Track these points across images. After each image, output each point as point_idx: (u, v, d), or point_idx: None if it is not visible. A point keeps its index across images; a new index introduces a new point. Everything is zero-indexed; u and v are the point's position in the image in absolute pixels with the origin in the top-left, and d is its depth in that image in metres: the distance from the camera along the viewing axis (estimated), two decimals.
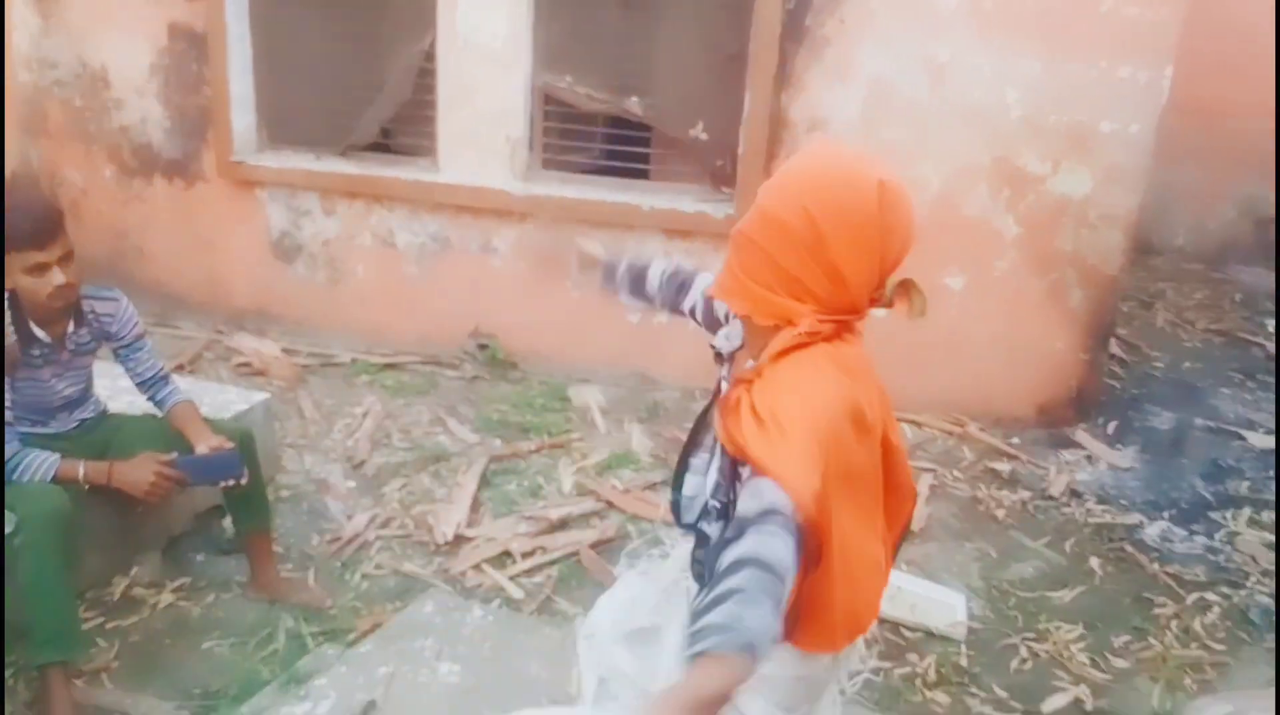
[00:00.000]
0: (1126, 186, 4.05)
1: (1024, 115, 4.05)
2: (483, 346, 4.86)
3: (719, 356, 1.57)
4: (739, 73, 4.25)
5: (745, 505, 1.17)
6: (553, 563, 3.25)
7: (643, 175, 4.67)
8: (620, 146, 4.64)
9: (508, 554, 3.27)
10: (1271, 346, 5.83)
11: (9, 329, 2.54)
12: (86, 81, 5.04)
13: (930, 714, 2.62)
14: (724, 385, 1.53)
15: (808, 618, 1.32)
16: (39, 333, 2.60)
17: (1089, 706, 2.71)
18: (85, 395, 2.81)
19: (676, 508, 1.52)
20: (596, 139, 4.88)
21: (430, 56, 4.54)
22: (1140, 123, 3.94)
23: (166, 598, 2.94)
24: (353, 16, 4.65)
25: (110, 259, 5.10)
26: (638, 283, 1.92)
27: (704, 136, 4.42)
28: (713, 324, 1.70)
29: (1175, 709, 2.70)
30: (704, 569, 1.41)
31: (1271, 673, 2.87)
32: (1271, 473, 4.11)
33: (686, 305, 1.82)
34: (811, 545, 1.17)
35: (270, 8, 4.74)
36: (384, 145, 4.86)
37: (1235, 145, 7.50)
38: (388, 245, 4.86)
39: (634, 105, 4.43)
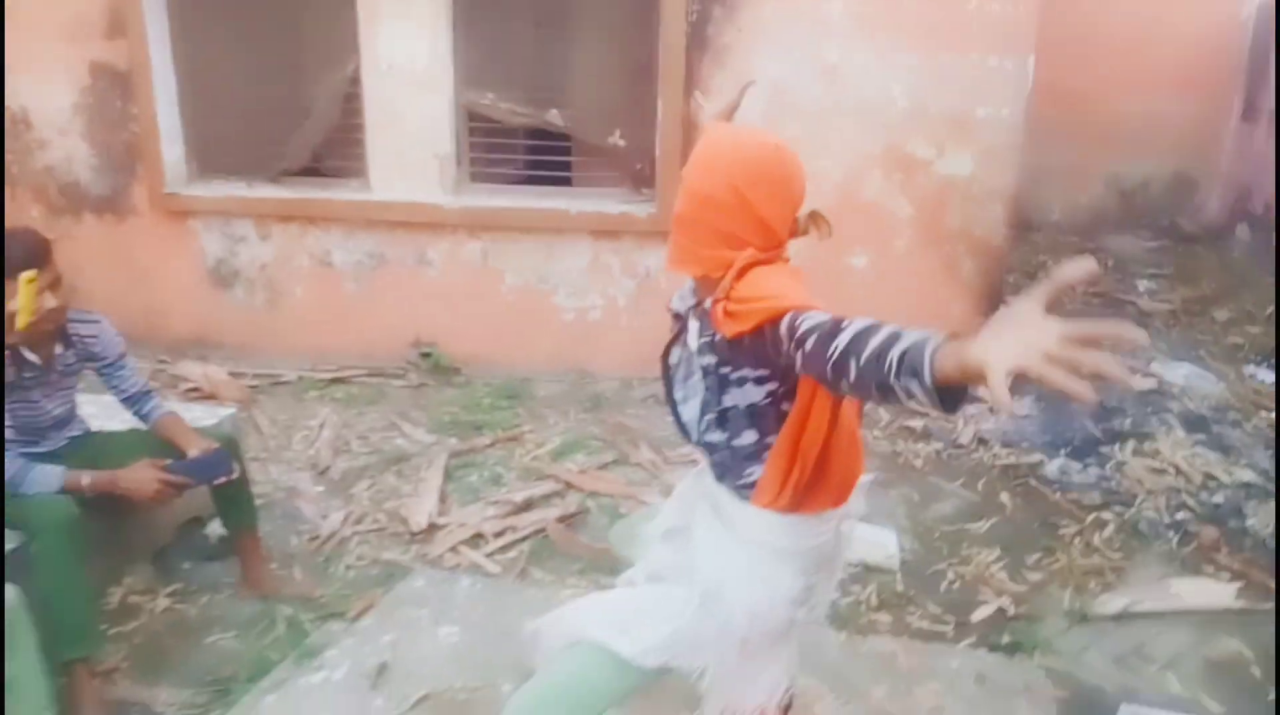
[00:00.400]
0: (1003, 164, 4.53)
1: (909, 106, 4.50)
2: (425, 355, 5.08)
3: (676, 317, 1.87)
4: (650, 81, 4.60)
5: (804, 326, 1.42)
6: (524, 539, 3.50)
7: (566, 182, 4.96)
8: (543, 156, 4.93)
9: (480, 536, 3.50)
10: (1144, 303, 6.46)
11: None
12: (8, 125, 5.08)
13: (876, 630, 2.96)
14: (687, 335, 1.83)
15: (816, 486, 1.64)
16: (29, 356, 2.74)
17: (1011, 613, 3.09)
18: (72, 414, 2.96)
19: (685, 431, 1.81)
20: (519, 151, 5.14)
21: (355, 81, 4.76)
22: (1010, 107, 4.43)
23: (163, 602, 3.08)
24: (275, 46, 4.84)
25: None
26: None
27: (622, 143, 4.75)
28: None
29: (1083, 606, 3.11)
30: (722, 468, 1.72)
31: (1161, 571, 3.32)
32: (1150, 409, 4.63)
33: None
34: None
35: (192, 41, 4.89)
36: (314, 169, 5.04)
37: (1099, 125, 8.23)
38: (325, 265, 5.04)
39: (554, 117, 4.73)
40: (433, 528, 3.56)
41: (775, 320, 1.47)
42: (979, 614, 3.10)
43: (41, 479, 2.65)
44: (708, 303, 1.67)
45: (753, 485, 1.68)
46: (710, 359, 1.68)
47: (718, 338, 1.63)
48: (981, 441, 4.33)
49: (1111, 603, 3.11)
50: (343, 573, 3.30)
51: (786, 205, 1.65)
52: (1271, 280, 6.76)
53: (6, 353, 2.70)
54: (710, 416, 1.70)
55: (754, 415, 1.66)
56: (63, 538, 2.54)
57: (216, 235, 5.05)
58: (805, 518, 1.68)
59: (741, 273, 1.58)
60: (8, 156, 5.14)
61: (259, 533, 3.19)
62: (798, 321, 1.43)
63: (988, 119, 4.45)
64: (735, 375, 1.64)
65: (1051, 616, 3.08)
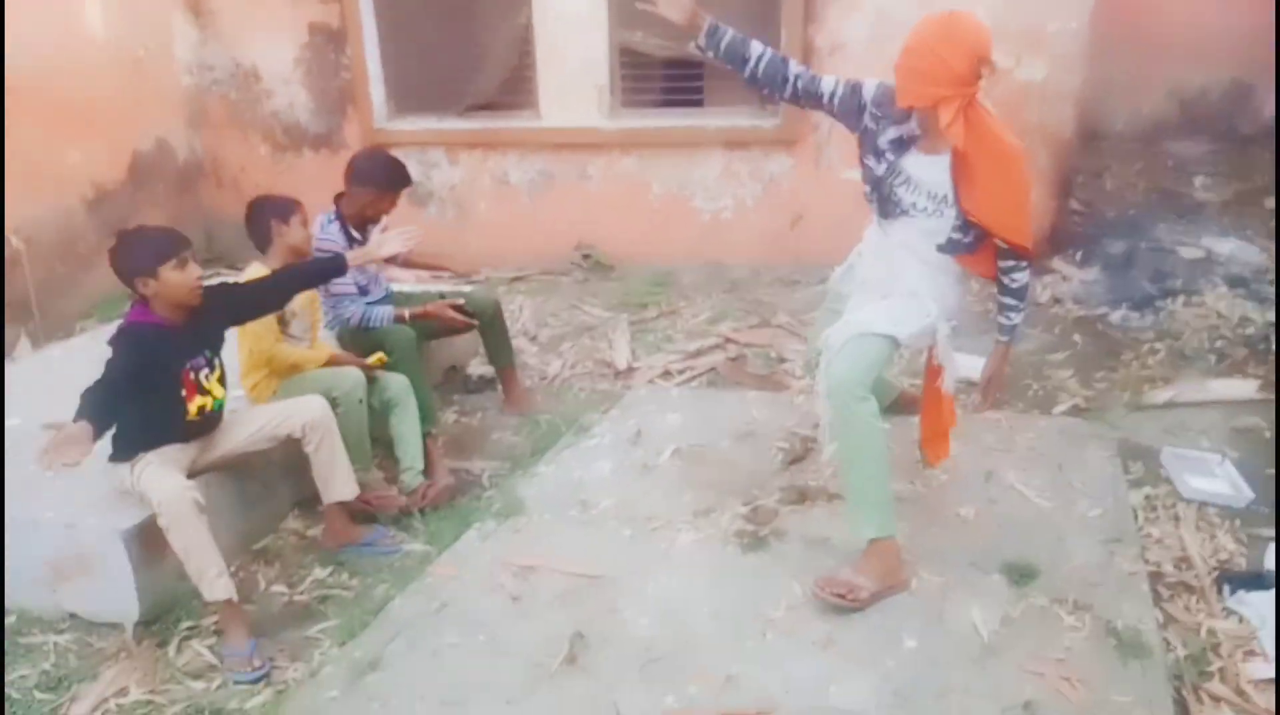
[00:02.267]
0: (1072, 71, 5.42)
1: (991, 23, 5.32)
2: (586, 256, 6.18)
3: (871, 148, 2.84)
4: (775, 12, 5.56)
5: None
6: (700, 375, 4.60)
7: (699, 104, 5.97)
8: (678, 83, 5.94)
9: (668, 372, 4.61)
10: (1199, 195, 7.28)
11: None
12: (240, 78, 6.26)
13: (984, 419, 3.97)
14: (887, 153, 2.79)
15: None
16: (356, 235, 3.88)
17: (1083, 406, 4.10)
18: (378, 277, 4.08)
19: (900, 206, 2.81)
20: (658, 79, 6.15)
21: (528, 27, 5.81)
22: (1077, 20, 5.30)
23: (449, 416, 4.25)
24: (457, 2, 5.90)
25: None
26: (767, 64, 2.82)
27: None
28: (848, 110, 2.82)
29: (1136, 400, 4.11)
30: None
31: (1201, 379, 4.28)
32: (1199, 273, 5.54)
33: (825, 95, 2.80)
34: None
35: (389, 3, 5.98)
36: (492, 104, 6.13)
37: (1159, 37, 8.88)
38: (503, 184, 6.16)
39: (693, 48, 5.71)
40: (630, 369, 4.68)
41: None
42: (1059, 408, 4.11)
43: (382, 314, 3.80)
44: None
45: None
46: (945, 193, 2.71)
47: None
48: (1057, 300, 5.29)
49: (1160, 395, 4.11)
50: (574, 396, 4.43)
51: (970, 57, 2.57)
52: None
53: (353, 233, 3.83)
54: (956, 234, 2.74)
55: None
56: (411, 350, 3.70)
57: (414, 163, 6.07)
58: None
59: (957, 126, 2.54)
60: (240, 105, 6.32)
61: (516, 367, 4.33)
62: None
63: (1058, 32, 5.34)
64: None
65: (1114, 407, 4.07)
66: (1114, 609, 2.65)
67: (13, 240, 4.98)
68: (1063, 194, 5.71)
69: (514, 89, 6.05)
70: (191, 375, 2.83)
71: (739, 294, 5.66)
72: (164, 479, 2.66)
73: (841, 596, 2.68)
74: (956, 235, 2.77)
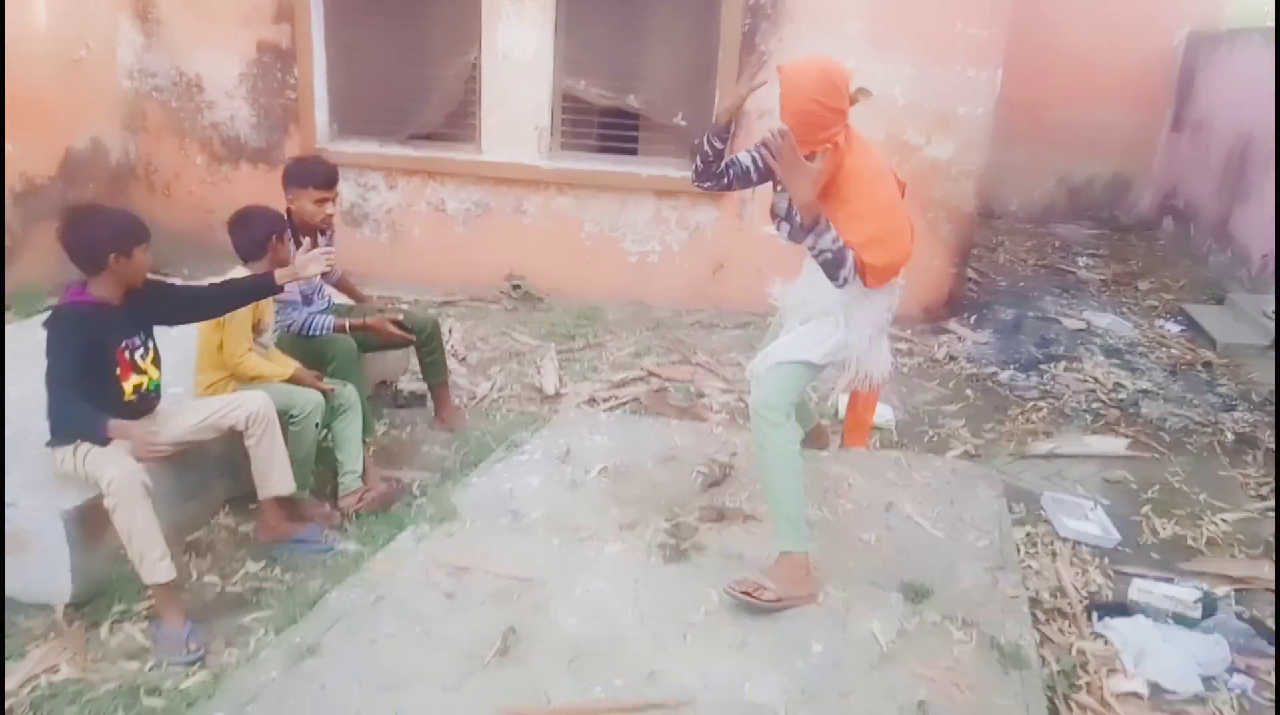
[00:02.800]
0: (976, 151, 5.93)
1: (906, 104, 5.88)
2: (516, 286, 6.37)
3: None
4: (709, 77, 5.93)
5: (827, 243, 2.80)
6: (623, 403, 4.83)
7: (633, 152, 6.29)
8: (613, 130, 6.25)
9: (594, 399, 4.82)
10: (1082, 273, 7.93)
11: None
12: (183, 87, 6.30)
13: (884, 458, 4.30)
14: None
15: (882, 269, 2.93)
16: (304, 241, 3.99)
17: (973, 452, 4.47)
18: (322, 287, 4.19)
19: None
20: (595, 126, 6.45)
21: (474, 66, 6.04)
22: (983, 107, 5.82)
23: (379, 427, 4.35)
24: (407, 35, 6.10)
25: (199, 231, 6.36)
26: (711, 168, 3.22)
27: (684, 123, 6.09)
28: (741, 176, 3.21)
29: (1020, 449, 4.50)
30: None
31: (1078, 435, 4.71)
32: (1079, 342, 6.07)
33: (750, 168, 3.21)
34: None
35: (340, 26, 6.14)
36: (432, 134, 6.31)
37: (1052, 131, 9.71)
38: (439, 211, 6.33)
39: (632, 101, 6.06)
40: (558, 395, 4.87)
41: None
42: (951, 451, 4.47)
43: (324, 323, 3.92)
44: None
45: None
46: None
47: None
48: (952, 358, 5.72)
49: (1042, 446, 4.52)
50: (503, 417, 4.60)
51: (844, 96, 2.87)
52: (1187, 262, 8.27)
53: (301, 238, 3.95)
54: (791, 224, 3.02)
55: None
56: (352, 360, 3.82)
57: (352, 184, 6.29)
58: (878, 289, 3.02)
59: (837, 156, 2.86)
60: (180, 113, 6.35)
61: (448, 385, 4.48)
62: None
63: (965, 116, 5.85)
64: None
65: (1000, 455, 4.46)
66: (997, 626, 2.94)
67: None
68: (961, 263, 6.19)
69: (457, 123, 6.25)
70: (126, 354, 2.90)
71: (661, 333, 5.93)
72: (114, 459, 2.72)
73: (748, 594, 2.91)
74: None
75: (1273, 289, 6.72)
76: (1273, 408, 5.11)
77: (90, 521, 2.86)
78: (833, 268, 2.86)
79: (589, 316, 6.11)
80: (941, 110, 5.85)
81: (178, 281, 3.45)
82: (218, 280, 3.34)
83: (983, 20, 5.66)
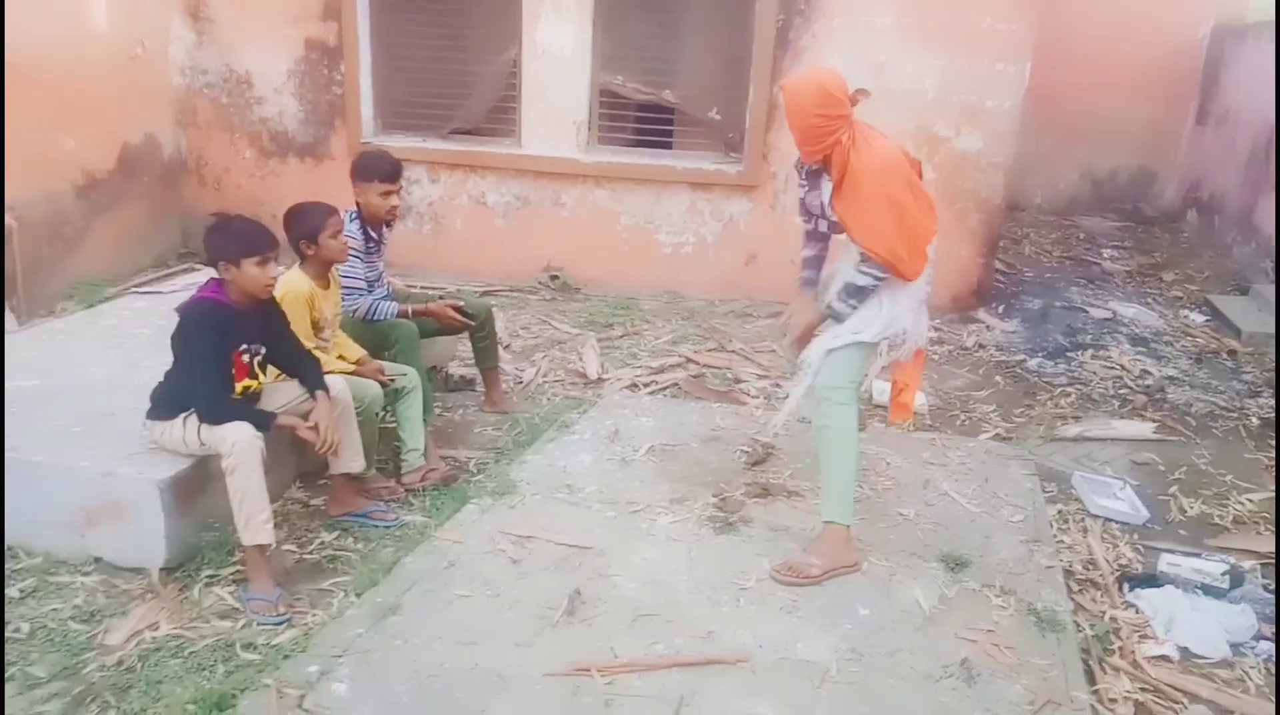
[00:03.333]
0: (1004, 143, 6.06)
1: (936, 97, 6.01)
2: (554, 277, 6.56)
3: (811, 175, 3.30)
4: (744, 71, 6.09)
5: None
6: (663, 388, 5.00)
7: (668, 146, 6.45)
8: (649, 124, 6.41)
9: (635, 384, 5.00)
10: (1107, 265, 8.04)
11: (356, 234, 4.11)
12: (233, 84, 6.51)
13: (920, 439, 4.45)
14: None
15: (911, 261, 3.10)
16: (373, 233, 4.20)
17: (1004, 435, 4.62)
18: (382, 275, 4.39)
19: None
20: (631, 120, 6.61)
21: (515, 62, 6.22)
22: (1011, 100, 5.95)
23: (434, 411, 4.54)
24: (449, 32, 6.29)
25: None
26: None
27: (718, 117, 6.25)
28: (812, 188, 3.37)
29: (1050, 433, 4.64)
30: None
31: (1106, 419, 4.85)
32: (1106, 331, 6.19)
33: (816, 207, 3.34)
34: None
35: (385, 24, 6.33)
36: (474, 129, 6.50)
37: (1077, 124, 9.80)
38: (480, 204, 6.51)
39: (668, 95, 6.23)
40: (600, 380, 5.05)
41: None
42: (983, 435, 4.62)
43: (388, 309, 4.11)
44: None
45: None
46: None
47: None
48: (981, 346, 5.86)
49: (1071, 430, 4.66)
50: (549, 400, 4.78)
51: (843, 101, 3.03)
52: (1211, 254, 8.37)
53: (370, 231, 4.15)
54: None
55: None
56: (414, 344, 4.00)
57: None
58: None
59: (843, 155, 3.03)
60: (229, 109, 6.56)
61: (499, 369, 4.66)
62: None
63: (994, 109, 5.98)
64: None
65: (1031, 438, 4.60)
66: (1034, 594, 3.11)
67: (6, 218, 5.12)
68: (990, 254, 6.33)
69: (497, 117, 6.44)
70: (245, 357, 3.09)
71: (696, 321, 6.10)
72: (236, 426, 2.92)
73: (794, 577, 3.09)
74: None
75: None
76: None
77: (182, 491, 3.06)
78: (870, 273, 3.11)
79: (625, 306, 6.28)
80: (970, 103, 5.98)
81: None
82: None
83: (1011, 14, 5.79)
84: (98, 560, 3.11)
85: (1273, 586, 3.36)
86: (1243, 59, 8.78)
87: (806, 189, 3.31)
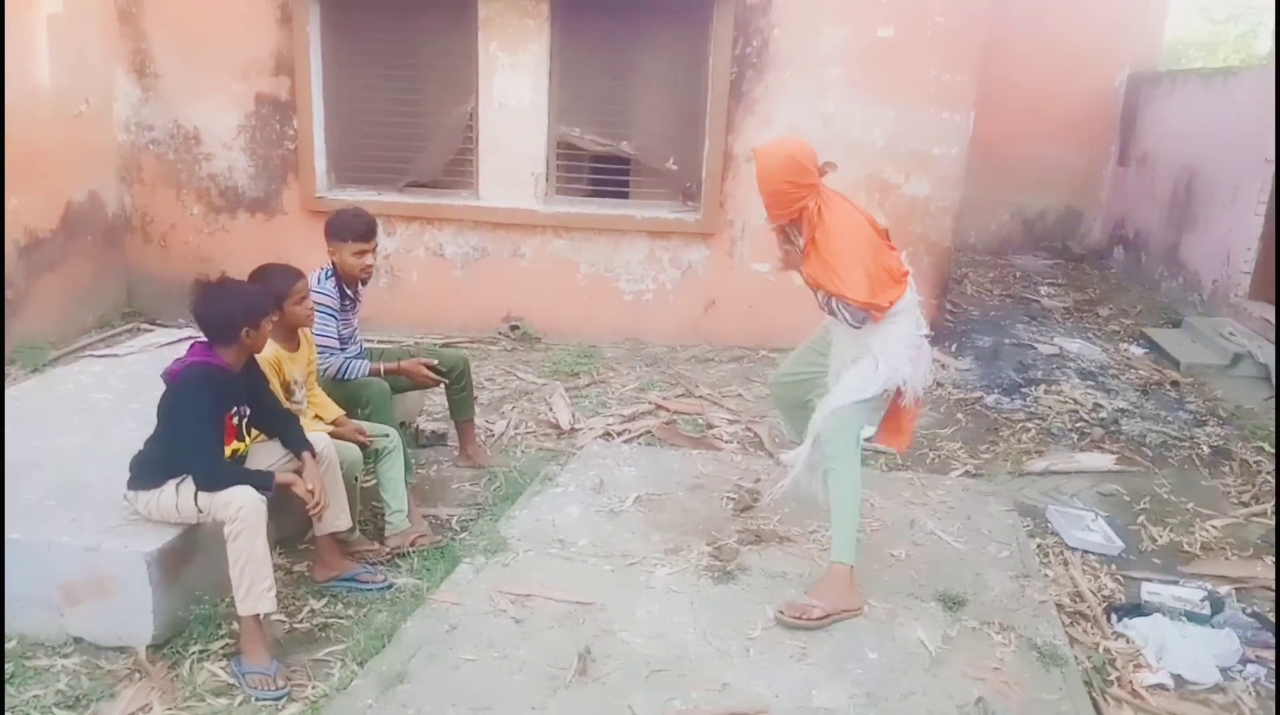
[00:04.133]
0: (951, 188, 6.28)
1: (885, 145, 6.21)
2: (514, 327, 6.53)
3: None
4: (699, 122, 6.21)
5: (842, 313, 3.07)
6: (637, 436, 4.99)
7: (624, 195, 6.52)
8: (605, 175, 6.48)
9: (608, 433, 4.98)
10: (1045, 302, 8.33)
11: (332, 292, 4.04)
12: (179, 139, 6.38)
13: (899, 479, 4.51)
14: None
15: (877, 303, 3.16)
16: (349, 291, 4.14)
17: (974, 471, 4.72)
18: (355, 333, 4.33)
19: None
20: (586, 172, 6.67)
21: (472, 115, 6.24)
22: (957, 146, 6.18)
23: None
24: (406, 85, 6.28)
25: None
26: None
27: (674, 167, 6.35)
28: None
29: (1018, 468, 4.76)
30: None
31: (1068, 453, 4.99)
32: (1055, 367, 6.40)
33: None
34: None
35: (339, 80, 6.30)
36: (430, 182, 6.47)
37: (1008, 168, 10.19)
38: (437, 256, 6.47)
39: (625, 147, 6.30)
40: (573, 429, 5.02)
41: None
42: (953, 472, 4.72)
43: (359, 368, 4.05)
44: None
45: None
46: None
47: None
48: (939, 385, 6.00)
49: (1037, 465, 4.79)
50: (523, 452, 4.73)
51: (809, 173, 3.17)
52: (1140, 289, 8.74)
53: (345, 289, 4.08)
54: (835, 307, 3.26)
55: None
56: (387, 402, 3.94)
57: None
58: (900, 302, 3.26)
59: (811, 219, 3.16)
60: (176, 165, 6.43)
61: (474, 422, 4.61)
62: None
63: (941, 155, 6.19)
64: None
65: (999, 474, 4.71)
66: (1032, 629, 3.17)
67: None
68: (941, 294, 6.51)
69: (455, 170, 6.43)
70: (235, 420, 3.01)
71: (659, 368, 6.12)
72: (241, 488, 2.83)
73: (797, 617, 3.11)
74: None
75: (1224, 313, 7.17)
76: (1241, 422, 5.46)
77: (170, 563, 2.94)
78: (849, 320, 3.23)
79: (588, 354, 6.28)
80: (918, 150, 6.19)
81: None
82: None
83: (955, 66, 6.02)
84: (78, 640, 2.97)
85: (1252, 610, 3.48)
86: (1157, 104, 9.28)
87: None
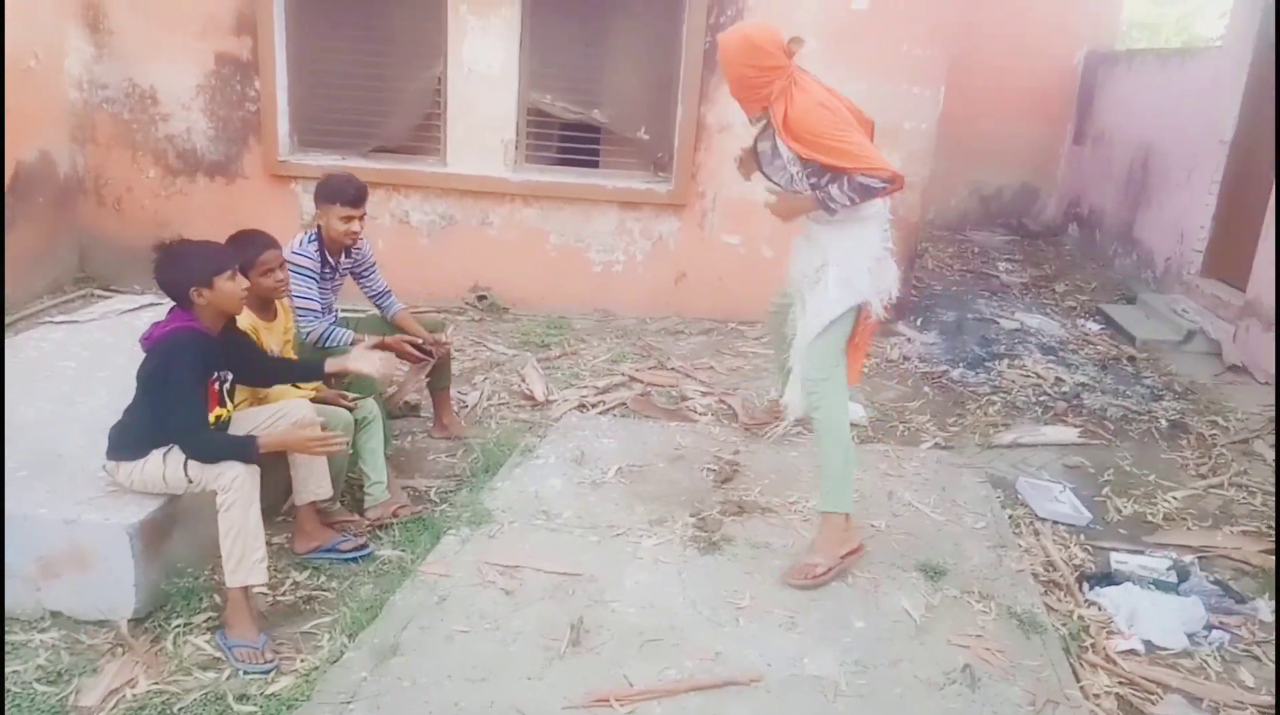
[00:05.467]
0: (921, 163, 6.32)
1: None
2: (481, 297, 6.46)
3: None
4: (672, 92, 6.16)
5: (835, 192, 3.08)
6: (611, 408, 4.98)
7: (594, 164, 6.46)
8: (575, 144, 6.41)
9: (583, 405, 4.97)
10: (1004, 277, 8.47)
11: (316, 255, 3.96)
12: (135, 99, 6.16)
13: (874, 452, 4.57)
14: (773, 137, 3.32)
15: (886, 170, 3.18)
16: (330, 259, 4.05)
17: (943, 444, 4.81)
18: (333, 303, 4.26)
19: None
20: (555, 139, 6.59)
21: (440, 80, 6.12)
22: (927, 121, 6.22)
23: None
24: (369, 48, 6.13)
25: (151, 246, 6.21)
26: None
27: (646, 136, 6.30)
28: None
29: (986, 440, 4.86)
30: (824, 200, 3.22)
31: (1033, 426, 5.10)
32: (1017, 341, 6.53)
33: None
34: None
35: (302, 40, 6.12)
36: (394, 148, 6.34)
37: (966, 144, 10.28)
38: (404, 223, 6.36)
39: (597, 115, 6.24)
40: (547, 401, 5.00)
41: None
42: (923, 445, 4.80)
43: (342, 336, 3.98)
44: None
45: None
46: (792, 156, 3.24)
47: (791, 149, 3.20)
48: (905, 358, 6.08)
49: (1004, 437, 4.89)
50: (497, 426, 4.70)
51: (774, 53, 3.16)
52: (1094, 265, 8.93)
53: (328, 257, 4.00)
54: (808, 182, 3.25)
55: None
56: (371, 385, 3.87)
57: (312, 197, 6.25)
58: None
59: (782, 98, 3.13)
60: (132, 125, 6.21)
61: (450, 391, 4.56)
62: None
63: (911, 130, 6.23)
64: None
65: (968, 446, 4.80)
66: (1011, 597, 3.25)
67: None
68: (908, 269, 6.58)
69: (422, 136, 6.31)
70: (217, 386, 2.93)
71: (630, 339, 6.11)
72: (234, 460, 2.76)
73: (804, 578, 3.20)
74: (813, 180, 3.24)
75: (1177, 290, 7.36)
76: (1195, 397, 5.63)
77: (152, 535, 2.88)
78: (861, 198, 3.19)
79: (557, 325, 6.24)
80: (890, 124, 6.19)
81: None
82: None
83: (928, 41, 6.05)
84: (55, 614, 2.90)
85: (1215, 578, 3.61)
86: (1114, 83, 9.44)
87: (768, 159, 3.37)
